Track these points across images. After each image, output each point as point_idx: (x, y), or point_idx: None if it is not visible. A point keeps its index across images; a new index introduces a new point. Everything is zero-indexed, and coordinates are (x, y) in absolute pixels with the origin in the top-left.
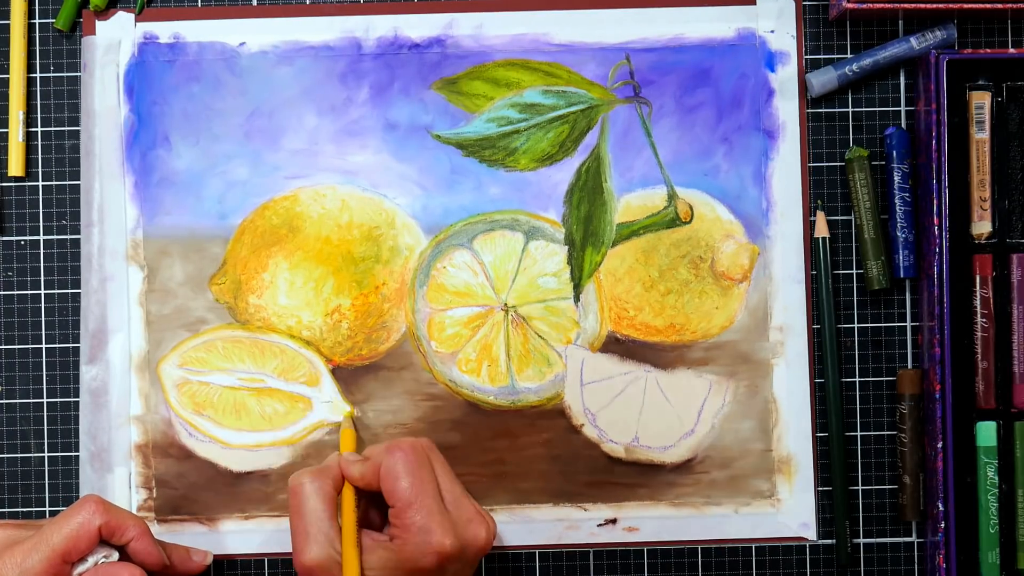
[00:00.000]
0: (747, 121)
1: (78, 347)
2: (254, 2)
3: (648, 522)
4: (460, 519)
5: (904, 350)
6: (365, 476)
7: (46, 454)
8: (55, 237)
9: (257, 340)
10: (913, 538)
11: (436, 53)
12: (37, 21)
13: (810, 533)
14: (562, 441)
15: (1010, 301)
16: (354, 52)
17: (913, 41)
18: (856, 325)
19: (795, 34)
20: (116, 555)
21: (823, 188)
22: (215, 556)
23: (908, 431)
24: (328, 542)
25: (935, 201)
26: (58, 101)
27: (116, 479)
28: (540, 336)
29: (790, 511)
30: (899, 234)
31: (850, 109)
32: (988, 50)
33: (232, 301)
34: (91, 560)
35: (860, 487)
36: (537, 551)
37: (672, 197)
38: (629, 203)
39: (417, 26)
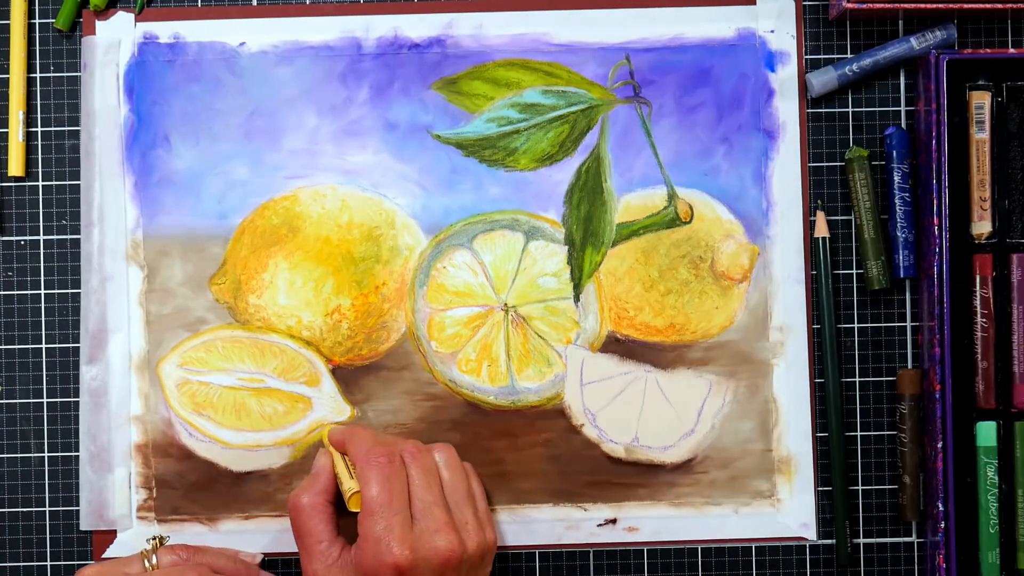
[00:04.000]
0: (747, 121)
1: (78, 347)
2: (254, 2)
3: (648, 522)
4: (425, 530)
5: (904, 350)
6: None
7: (46, 454)
8: (55, 237)
9: (257, 340)
10: (913, 538)
11: (436, 53)
12: (37, 21)
13: (810, 533)
14: (562, 441)
15: (1010, 301)
16: (354, 52)
17: (913, 41)
18: (856, 325)
19: (795, 34)
20: None
21: (823, 188)
22: (215, 550)
23: (908, 431)
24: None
25: (935, 201)
26: (58, 101)
27: (116, 479)
28: (540, 336)
29: (790, 511)
30: (899, 234)
31: (850, 109)
32: (988, 50)
33: (232, 301)
34: None
35: (860, 487)
36: (537, 551)
37: (672, 197)
38: (629, 203)
39: (417, 26)
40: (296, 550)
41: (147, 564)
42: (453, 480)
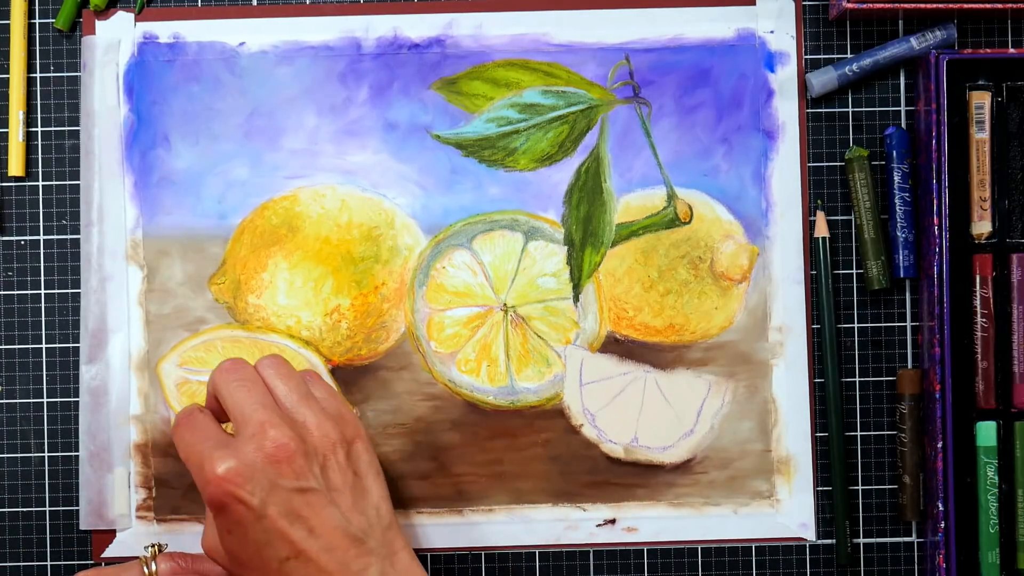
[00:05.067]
0: (747, 121)
1: (78, 347)
2: (254, 2)
3: (647, 522)
4: (244, 437)
5: (904, 350)
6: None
7: (46, 454)
8: (55, 237)
9: (256, 340)
10: (913, 538)
11: (436, 53)
12: (37, 21)
13: (809, 533)
14: (561, 441)
15: (1010, 301)
16: (354, 52)
17: (913, 41)
18: (856, 325)
19: (795, 34)
20: None
21: (823, 188)
22: None
23: (908, 431)
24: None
25: (935, 201)
26: (58, 101)
27: (116, 479)
28: (539, 336)
29: (789, 511)
30: (899, 234)
31: (850, 109)
32: (988, 50)
33: (231, 301)
34: None
35: (860, 487)
36: (537, 551)
37: (671, 197)
38: (628, 203)
39: (417, 26)
40: None
41: (146, 571)
42: (286, 387)
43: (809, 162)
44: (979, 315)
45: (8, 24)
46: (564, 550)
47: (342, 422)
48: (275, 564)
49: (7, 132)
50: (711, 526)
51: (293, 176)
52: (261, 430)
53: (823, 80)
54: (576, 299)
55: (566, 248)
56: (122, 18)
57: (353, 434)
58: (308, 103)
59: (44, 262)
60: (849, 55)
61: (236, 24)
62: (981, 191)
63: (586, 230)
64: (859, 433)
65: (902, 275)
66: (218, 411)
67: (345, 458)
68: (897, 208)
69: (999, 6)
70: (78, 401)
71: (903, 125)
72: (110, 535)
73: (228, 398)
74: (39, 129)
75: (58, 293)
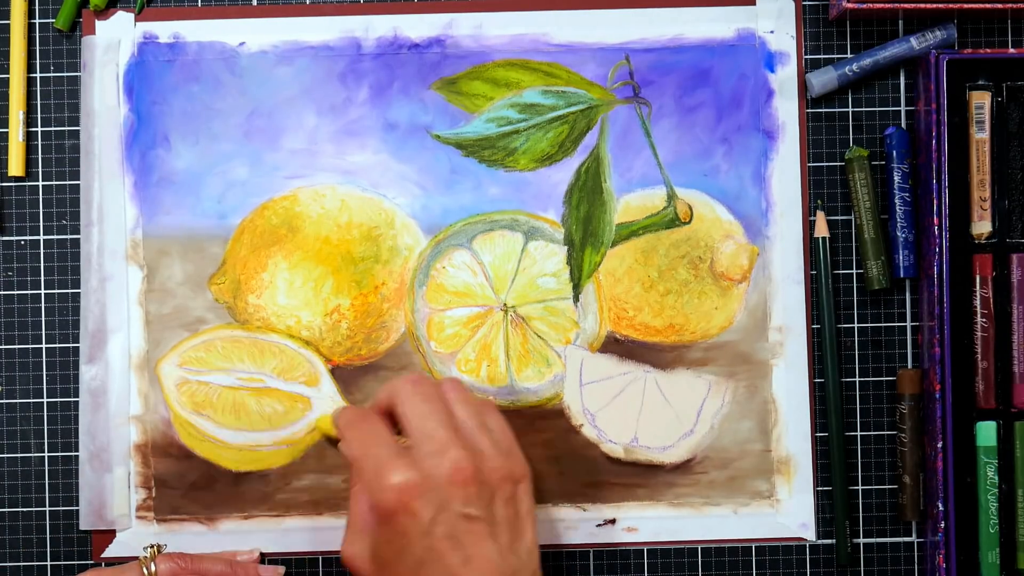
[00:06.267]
0: (747, 121)
1: (78, 347)
2: (254, 2)
3: (647, 522)
4: (425, 453)
5: (904, 350)
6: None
7: (46, 454)
8: (55, 237)
9: (256, 340)
10: (913, 538)
11: (436, 53)
12: (37, 21)
13: (809, 533)
14: (561, 441)
15: (1010, 301)
16: (354, 52)
17: (913, 41)
18: (856, 325)
19: (795, 34)
20: None
21: (823, 188)
22: (213, 555)
23: (908, 431)
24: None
25: (935, 201)
26: (58, 101)
27: (115, 479)
28: (539, 336)
29: (789, 511)
30: (899, 234)
31: (850, 109)
32: (988, 50)
33: (231, 301)
34: None
35: (860, 487)
36: None
37: (671, 197)
38: (628, 203)
39: (417, 26)
40: (297, 549)
41: (145, 572)
42: (466, 413)
43: (809, 162)
44: (979, 315)
45: (8, 24)
46: (564, 550)
47: (513, 459)
48: None
49: (7, 132)
50: (711, 526)
51: (293, 176)
52: (443, 449)
53: (823, 80)
54: (576, 299)
55: (566, 248)
56: (122, 18)
57: (521, 473)
58: (308, 103)
59: (44, 262)
60: (849, 55)
61: (236, 24)
62: (981, 191)
63: (586, 230)
64: (859, 433)
65: (902, 275)
66: (387, 423)
67: (511, 495)
68: (897, 208)
69: (999, 6)
70: (78, 401)
71: (903, 125)
72: (110, 535)
73: (411, 410)
74: (39, 129)
75: (58, 293)
